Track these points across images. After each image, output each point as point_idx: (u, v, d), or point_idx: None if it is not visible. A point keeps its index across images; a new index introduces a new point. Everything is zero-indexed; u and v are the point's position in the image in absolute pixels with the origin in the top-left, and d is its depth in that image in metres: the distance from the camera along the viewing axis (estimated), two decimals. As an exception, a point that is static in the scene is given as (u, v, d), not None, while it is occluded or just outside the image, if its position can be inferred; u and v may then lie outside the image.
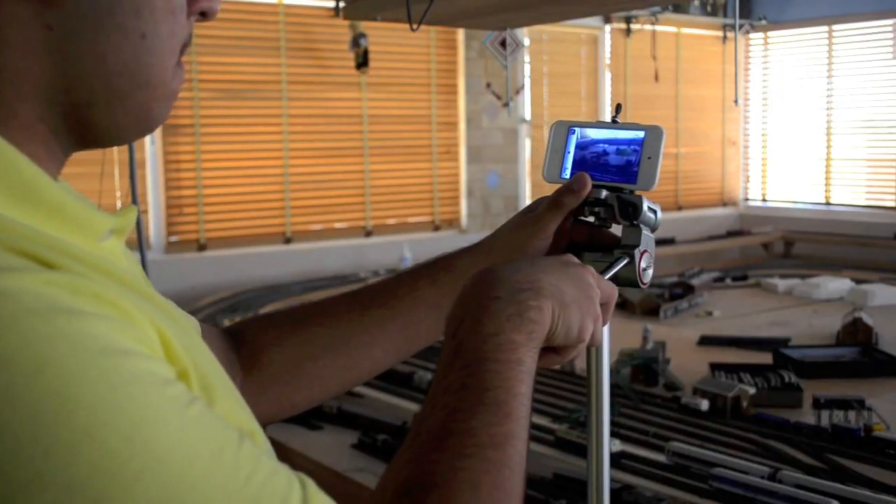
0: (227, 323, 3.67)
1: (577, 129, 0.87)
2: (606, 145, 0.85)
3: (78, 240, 0.51)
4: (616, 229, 0.86)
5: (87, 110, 0.54)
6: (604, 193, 0.83)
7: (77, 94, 0.53)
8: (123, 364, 0.43)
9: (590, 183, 0.83)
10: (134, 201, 1.89)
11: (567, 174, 0.86)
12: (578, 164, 0.86)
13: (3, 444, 0.39)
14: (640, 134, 0.84)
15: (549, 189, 0.88)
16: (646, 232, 0.84)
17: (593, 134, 0.86)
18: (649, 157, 0.83)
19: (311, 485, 0.50)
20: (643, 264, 0.83)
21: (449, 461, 0.56)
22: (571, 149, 0.87)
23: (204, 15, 0.59)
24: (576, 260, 0.74)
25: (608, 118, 0.88)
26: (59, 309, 0.43)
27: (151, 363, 0.45)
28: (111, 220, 0.55)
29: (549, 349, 0.69)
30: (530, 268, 0.69)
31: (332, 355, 0.84)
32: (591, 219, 0.86)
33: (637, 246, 0.83)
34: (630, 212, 0.83)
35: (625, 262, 0.82)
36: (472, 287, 0.68)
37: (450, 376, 0.62)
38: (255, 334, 0.84)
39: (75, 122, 0.54)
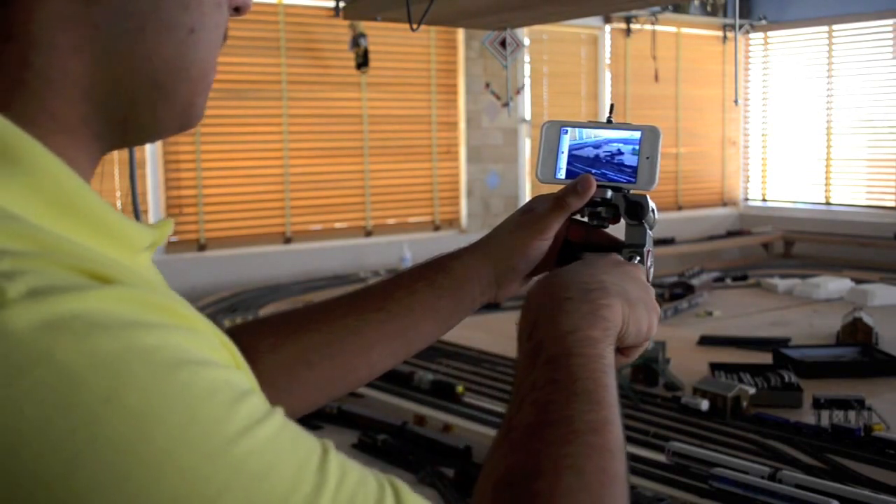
0: (227, 324, 3.67)
1: (570, 129, 0.87)
2: (602, 145, 0.86)
3: (118, 254, 0.50)
4: (611, 229, 0.87)
5: (131, 109, 0.53)
6: (609, 193, 0.84)
7: (122, 94, 0.52)
8: (200, 375, 0.42)
9: (595, 184, 0.83)
10: (134, 201, 1.88)
11: (561, 174, 0.86)
12: (573, 165, 0.86)
13: (83, 469, 0.38)
14: (637, 134, 0.85)
15: (546, 189, 0.88)
16: (649, 231, 0.85)
17: (588, 134, 0.87)
18: (647, 157, 0.84)
19: (404, 488, 0.48)
20: (648, 263, 0.84)
21: (550, 449, 0.56)
22: (565, 149, 0.87)
23: (237, 10, 0.58)
24: (622, 259, 0.75)
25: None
26: (129, 324, 0.41)
27: (227, 373, 0.44)
28: (150, 233, 0.53)
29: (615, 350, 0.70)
30: (590, 269, 0.71)
31: (328, 361, 0.83)
32: (584, 219, 0.86)
33: (644, 245, 0.84)
34: (637, 211, 0.84)
35: (637, 260, 0.83)
36: (541, 290, 0.69)
37: (534, 374, 0.62)
38: (249, 340, 0.83)
39: (117, 123, 0.53)
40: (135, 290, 0.43)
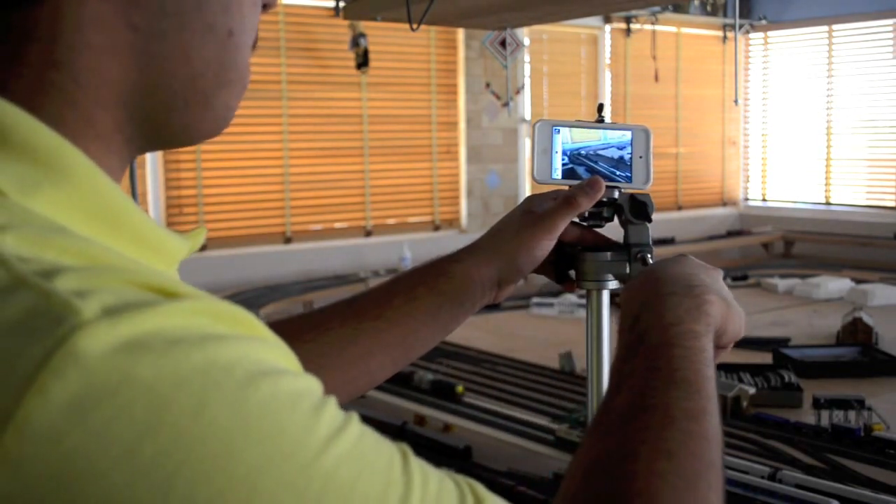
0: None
1: (562, 129, 0.87)
2: (596, 145, 0.87)
3: (160, 265, 0.49)
4: (606, 230, 0.88)
5: (165, 114, 0.51)
6: (616, 193, 0.85)
7: (158, 98, 0.50)
8: (281, 386, 0.41)
9: (604, 185, 0.84)
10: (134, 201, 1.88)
11: (557, 175, 0.87)
12: (568, 164, 0.87)
13: (177, 490, 0.37)
14: (628, 134, 0.86)
15: (540, 190, 0.88)
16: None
17: (581, 134, 0.87)
18: (640, 157, 0.86)
19: (481, 487, 0.48)
20: (650, 261, 0.85)
21: (644, 433, 0.55)
22: (559, 148, 0.87)
23: (265, 7, 0.57)
24: (697, 260, 0.76)
25: (609, 118, 0.89)
26: (206, 338, 0.40)
27: (303, 381, 0.43)
28: (186, 243, 0.52)
29: None
30: (687, 268, 0.71)
31: (326, 371, 0.79)
32: (575, 218, 0.86)
33: (649, 243, 0.85)
34: (645, 210, 0.85)
35: (649, 257, 0.84)
36: (643, 285, 0.69)
37: (633, 362, 0.62)
38: None
39: (150, 128, 0.51)
40: (203, 301, 0.42)
